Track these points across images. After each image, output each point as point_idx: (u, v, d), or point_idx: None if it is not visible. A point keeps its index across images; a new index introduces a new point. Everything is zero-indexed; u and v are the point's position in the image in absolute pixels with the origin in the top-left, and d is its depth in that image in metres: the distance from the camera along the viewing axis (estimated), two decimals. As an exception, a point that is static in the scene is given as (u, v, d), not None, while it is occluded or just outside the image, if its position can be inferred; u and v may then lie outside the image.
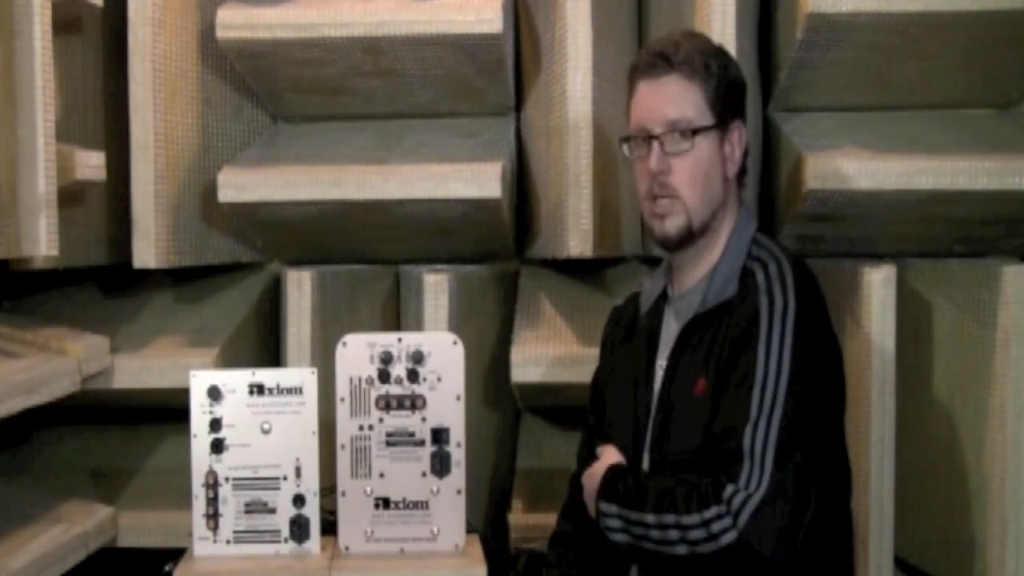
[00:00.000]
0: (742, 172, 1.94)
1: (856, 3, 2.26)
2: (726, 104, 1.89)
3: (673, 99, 1.87)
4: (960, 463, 2.40)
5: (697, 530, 1.71)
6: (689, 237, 1.89)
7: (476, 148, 2.59)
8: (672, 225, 1.88)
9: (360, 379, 2.16)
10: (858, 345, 2.33)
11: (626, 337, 2.05)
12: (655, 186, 1.87)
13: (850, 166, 2.35)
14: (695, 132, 1.85)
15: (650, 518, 1.76)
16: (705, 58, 1.87)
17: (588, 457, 2.02)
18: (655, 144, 1.87)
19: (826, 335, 1.83)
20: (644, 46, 2.03)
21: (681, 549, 1.73)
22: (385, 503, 2.16)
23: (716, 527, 1.70)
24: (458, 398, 2.16)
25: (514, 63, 2.65)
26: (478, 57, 2.46)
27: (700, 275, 1.90)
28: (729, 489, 1.69)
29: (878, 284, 2.35)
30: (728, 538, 1.69)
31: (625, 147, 1.94)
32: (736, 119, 1.91)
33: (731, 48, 2.32)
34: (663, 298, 1.99)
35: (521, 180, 2.72)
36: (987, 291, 2.33)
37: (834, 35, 2.33)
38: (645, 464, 1.89)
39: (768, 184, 2.64)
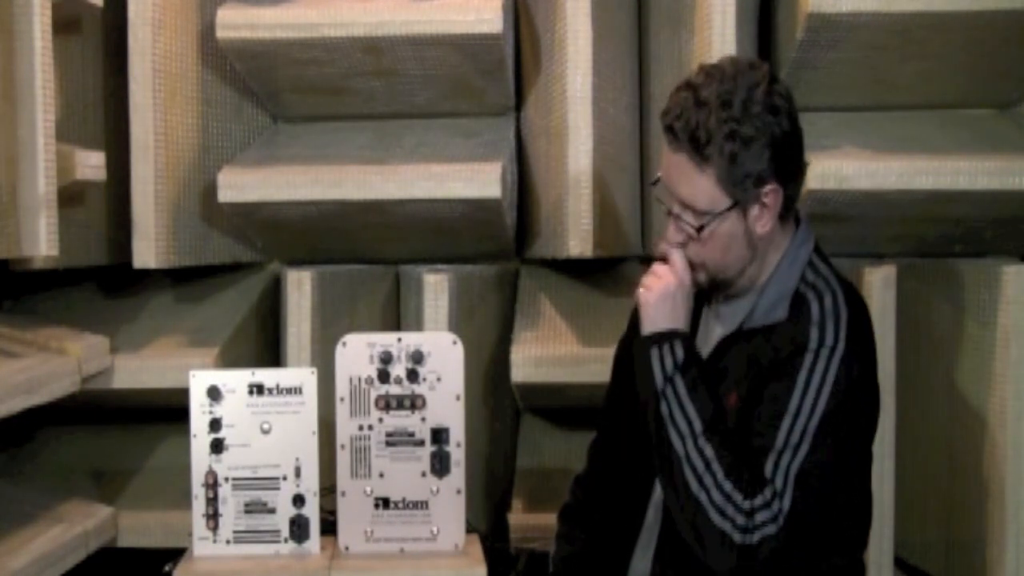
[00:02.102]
0: (787, 208, 1.79)
1: (856, 3, 2.26)
2: (751, 178, 1.73)
3: (685, 179, 1.76)
4: (960, 463, 2.40)
5: (723, 500, 1.67)
6: (718, 286, 1.85)
7: (476, 148, 2.59)
8: (698, 278, 1.83)
9: (360, 379, 2.16)
10: (858, 345, 2.33)
11: None
12: None
13: (850, 166, 2.35)
14: (703, 227, 1.76)
15: (701, 440, 1.70)
16: (719, 136, 1.70)
17: (602, 436, 2.03)
18: (671, 216, 1.80)
19: (869, 382, 1.78)
20: (675, 87, 1.80)
21: (697, 491, 1.69)
22: (385, 503, 2.16)
23: (740, 520, 1.66)
24: (458, 398, 2.16)
25: (514, 63, 2.65)
26: (478, 57, 2.46)
27: (747, 288, 1.83)
28: (759, 499, 1.66)
29: (878, 284, 2.35)
30: (738, 537, 1.66)
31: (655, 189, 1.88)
32: (766, 184, 1.73)
33: (730, 49, 2.32)
34: (702, 293, 1.91)
35: (521, 180, 2.71)
36: (987, 291, 2.33)
37: (834, 35, 2.33)
38: None
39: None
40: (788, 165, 1.76)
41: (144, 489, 2.74)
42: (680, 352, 1.77)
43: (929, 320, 2.50)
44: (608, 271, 2.77)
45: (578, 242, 2.47)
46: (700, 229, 1.76)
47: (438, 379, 2.16)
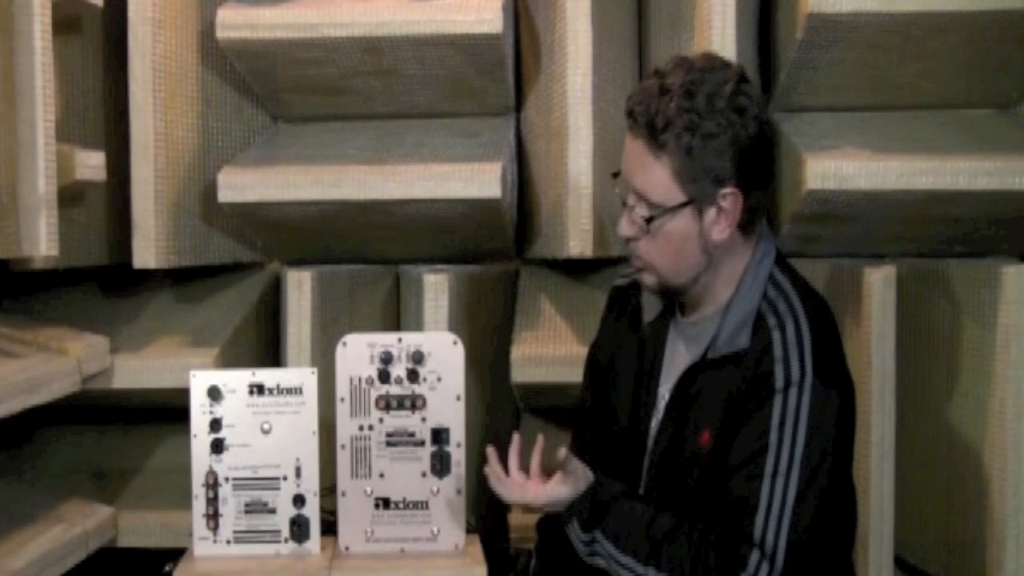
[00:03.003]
0: (750, 219, 1.75)
1: (856, 3, 2.26)
2: (708, 175, 1.68)
3: (640, 168, 1.72)
4: (960, 463, 2.40)
5: None
6: (669, 291, 1.81)
7: (476, 148, 2.59)
8: (648, 280, 1.80)
9: (360, 379, 2.16)
10: (858, 345, 2.33)
11: (628, 336, 1.96)
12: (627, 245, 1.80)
13: (850, 166, 2.35)
14: (652, 218, 1.71)
15: (652, 573, 1.70)
16: (678, 125, 1.65)
17: (577, 443, 2.01)
18: (625, 207, 1.76)
19: (844, 400, 1.74)
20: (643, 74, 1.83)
21: None
22: (385, 503, 2.17)
23: None
24: (458, 398, 2.17)
25: (514, 63, 2.65)
26: (478, 57, 2.46)
27: (710, 308, 1.79)
28: None
29: (878, 284, 2.35)
30: None
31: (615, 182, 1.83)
32: (724, 186, 1.68)
33: (730, 49, 2.32)
34: (668, 310, 1.88)
35: (521, 180, 2.72)
36: (987, 291, 2.33)
37: (834, 35, 2.33)
38: (643, 479, 1.85)
39: (768, 184, 2.64)
40: (751, 170, 1.71)
41: (144, 489, 2.74)
42: (580, 533, 1.78)
43: (929, 320, 2.50)
44: (608, 271, 2.77)
45: (578, 242, 2.47)
46: (650, 220, 1.71)
47: (438, 379, 2.16)
